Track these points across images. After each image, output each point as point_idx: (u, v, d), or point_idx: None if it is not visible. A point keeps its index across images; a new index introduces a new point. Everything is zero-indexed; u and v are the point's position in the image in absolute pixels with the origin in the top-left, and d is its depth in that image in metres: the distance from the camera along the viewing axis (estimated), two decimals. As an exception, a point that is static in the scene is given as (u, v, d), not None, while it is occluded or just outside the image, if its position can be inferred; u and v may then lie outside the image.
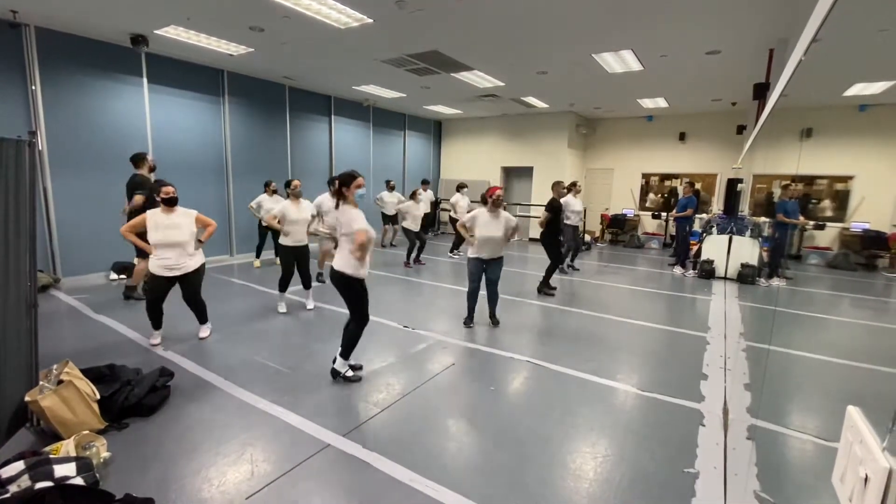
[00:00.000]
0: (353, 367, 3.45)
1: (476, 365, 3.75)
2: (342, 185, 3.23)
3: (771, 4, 4.34)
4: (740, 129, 9.09)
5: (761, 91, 5.72)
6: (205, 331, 4.16)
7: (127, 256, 6.41)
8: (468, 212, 8.81)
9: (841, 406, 2.96)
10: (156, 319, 3.91)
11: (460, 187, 9.07)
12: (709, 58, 6.05)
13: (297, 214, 4.79)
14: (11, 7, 4.93)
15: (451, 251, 9.13)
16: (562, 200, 6.22)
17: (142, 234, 3.75)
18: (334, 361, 3.39)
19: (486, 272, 4.52)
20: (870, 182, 8.93)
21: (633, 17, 4.78)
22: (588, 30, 5.20)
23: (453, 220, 9.18)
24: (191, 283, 3.89)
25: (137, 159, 5.20)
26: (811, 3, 2.45)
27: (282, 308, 4.99)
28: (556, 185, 6.01)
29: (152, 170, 5.36)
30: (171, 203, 3.74)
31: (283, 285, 4.96)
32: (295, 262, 4.90)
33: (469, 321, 4.65)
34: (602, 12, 4.65)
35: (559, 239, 6.07)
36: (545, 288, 6.04)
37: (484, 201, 4.49)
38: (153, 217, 3.69)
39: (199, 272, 3.93)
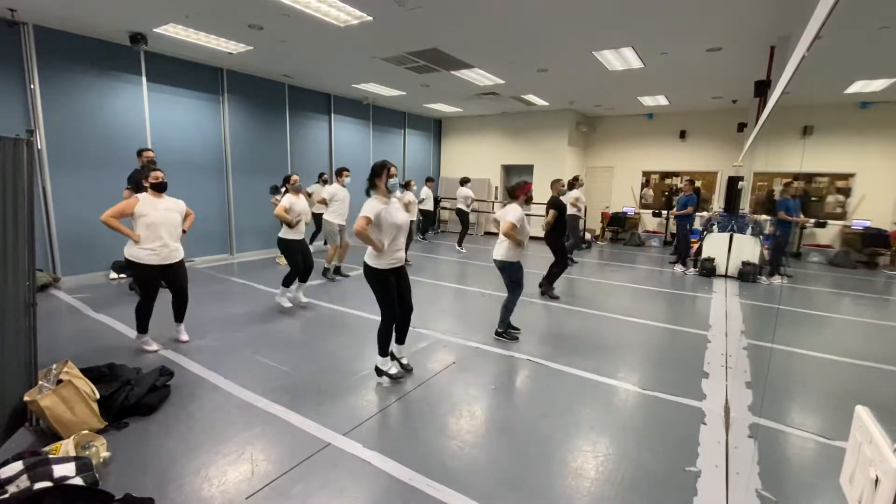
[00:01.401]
0: (402, 367, 3.46)
1: (476, 363, 3.74)
2: (375, 176, 3.17)
3: (772, 2, 4.32)
4: (741, 127, 9.08)
5: (762, 88, 5.70)
6: (184, 333, 4.01)
7: (126, 255, 6.41)
8: (466, 204, 9.11)
9: (842, 404, 2.96)
10: (145, 321, 3.76)
11: (464, 181, 9.30)
12: (710, 55, 6.02)
13: (302, 206, 4.92)
14: (9, 5, 4.90)
15: (459, 244, 9.47)
16: (563, 198, 6.14)
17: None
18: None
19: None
20: (871, 180, 8.91)
21: (634, 15, 4.75)
22: (588, 27, 5.17)
23: (459, 213, 9.32)
24: (179, 274, 3.82)
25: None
26: (812, 0, 2.43)
27: (285, 302, 5.01)
28: (555, 183, 5.89)
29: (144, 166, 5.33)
30: (160, 189, 3.69)
31: (303, 275, 5.05)
32: (303, 254, 4.97)
33: (510, 332, 4.33)
34: (603, 9, 4.63)
35: (563, 240, 5.99)
36: (549, 290, 5.90)
37: (513, 196, 4.22)
38: (146, 200, 3.60)
39: (184, 263, 3.89)
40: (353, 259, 6.98)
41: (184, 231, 3.85)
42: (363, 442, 2.56)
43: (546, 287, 5.93)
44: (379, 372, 3.35)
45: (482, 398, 3.17)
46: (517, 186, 4.22)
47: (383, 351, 3.30)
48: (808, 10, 2.82)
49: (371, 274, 3.18)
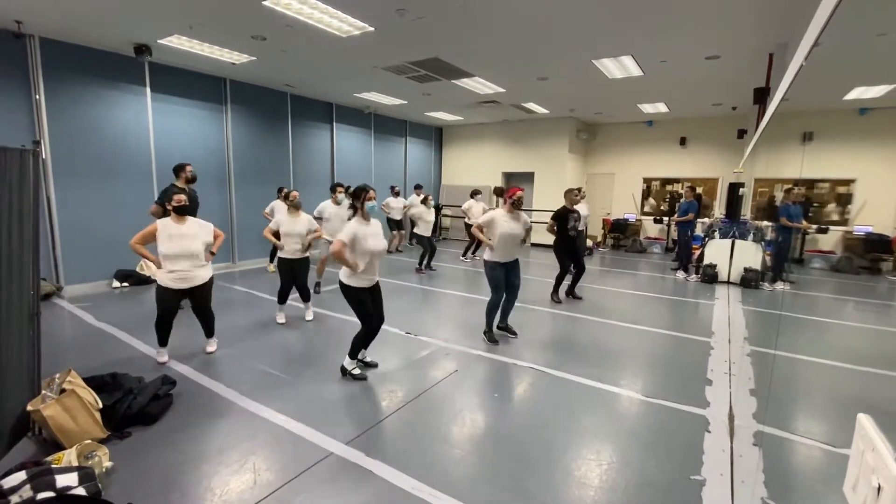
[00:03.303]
0: (367, 364, 3.70)
1: (479, 371, 3.74)
2: (354, 199, 3.39)
3: (770, 10, 4.36)
4: (741, 134, 9.10)
5: (761, 95, 5.73)
6: (212, 345, 4.02)
7: (129, 264, 6.43)
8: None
9: (847, 411, 2.94)
10: (164, 336, 3.73)
11: (474, 193, 9.26)
12: (708, 63, 6.07)
13: (291, 227, 4.65)
14: (16, 18, 4.98)
15: (464, 255, 9.45)
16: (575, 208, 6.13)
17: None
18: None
19: (507, 277, 4.33)
20: (872, 185, 8.91)
21: (633, 23, 4.80)
22: (588, 36, 5.22)
23: (468, 226, 9.29)
24: (201, 296, 3.77)
25: (177, 170, 5.07)
26: (810, 8, 2.46)
27: (280, 319, 4.88)
28: (569, 193, 5.85)
29: (190, 181, 5.10)
30: (181, 212, 3.62)
31: (282, 297, 4.85)
32: (293, 275, 4.76)
33: (493, 335, 4.41)
34: (602, 18, 4.68)
35: (573, 246, 5.95)
36: (555, 296, 6.02)
37: (502, 199, 4.42)
38: (165, 227, 3.56)
39: (210, 284, 3.81)
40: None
41: (212, 253, 3.81)
42: (365, 451, 2.55)
43: (553, 294, 6.03)
44: (343, 372, 3.58)
45: (485, 406, 3.16)
46: (504, 189, 4.42)
47: (353, 354, 3.56)
48: (805, 17, 2.84)
49: (345, 290, 3.42)
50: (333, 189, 6.10)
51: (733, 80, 6.89)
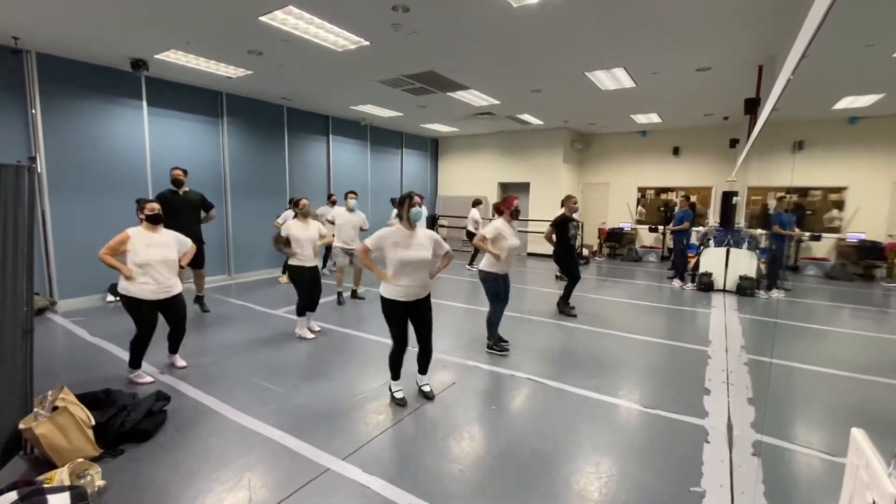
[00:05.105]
0: (424, 395, 3.42)
1: (477, 383, 3.72)
2: (399, 206, 3.24)
3: (759, 23, 4.44)
4: (733, 143, 9.21)
5: (752, 106, 5.81)
6: (181, 360, 3.92)
7: (124, 278, 6.38)
8: (477, 224, 9.10)
9: (845, 419, 2.93)
10: (140, 356, 3.56)
11: (476, 203, 9.36)
12: (699, 74, 6.16)
13: (304, 234, 4.64)
14: (13, 34, 5.01)
15: (470, 264, 9.50)
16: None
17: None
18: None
19: (505, 288, 4.34)
20: (863, 192, 9.02)
21: (625, 37, 4.88)
22: (581, 49, 5.30)
23: (470, 234, 9.40)
24: (179, 307, 3.69)
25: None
26: (798, 21, 2.51)
27: (307, 334, 4.78)
28: (567, 201, 5.90)
29: (174, 183, 5.40)
30: (155, 221, 3.56)
31: (304, 307, 4.76)
32: (311, 281, 4.71)
33: (500, 344, 4.37)
34: (594, 32, 4.75)
35: (573, 255, 5.94)
36: (566, 308, 5.86)
37: (499, 212, 4.37)
38: (137, 235, 3.46)
39: (183, 296, 3.74)
40: (370, 282, 6.91)
41: (181, 266, 3.75)
42: (363, 466, 2.53)
43: (561, 304, 5.94)
44: (391, 390, 3.40)
45: (483, 419, 3.14)
46: (501, 201, 4.43)
47: (391, 374, 3.37)
48: (793, 30, 2.90)
49: (381, 299, 3.21)
50: (346, 196, 6.37)
51: (724, 91, 6.99)
